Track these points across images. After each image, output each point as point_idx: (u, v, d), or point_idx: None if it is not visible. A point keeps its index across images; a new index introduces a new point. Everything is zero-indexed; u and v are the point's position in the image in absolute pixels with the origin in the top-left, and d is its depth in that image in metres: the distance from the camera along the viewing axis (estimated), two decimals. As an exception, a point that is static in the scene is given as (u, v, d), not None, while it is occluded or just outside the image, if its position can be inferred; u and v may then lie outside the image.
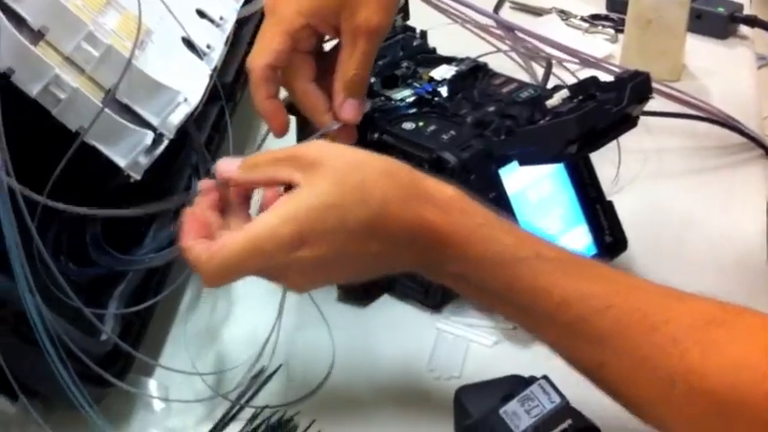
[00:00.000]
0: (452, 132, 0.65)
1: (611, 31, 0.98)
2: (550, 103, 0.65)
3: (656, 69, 0.87)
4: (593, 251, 0.69)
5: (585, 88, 0.66)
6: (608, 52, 0.95)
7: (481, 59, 0.75)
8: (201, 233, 0.54)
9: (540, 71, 0.89)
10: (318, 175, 0.52)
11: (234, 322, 0.70)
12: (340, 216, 0.51)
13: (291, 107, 0.67)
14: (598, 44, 0.96)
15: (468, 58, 0.74)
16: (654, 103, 0.72)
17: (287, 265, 0.52)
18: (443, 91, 0.70)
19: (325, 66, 0.64)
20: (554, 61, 0.88)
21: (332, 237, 0.51)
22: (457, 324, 0.68)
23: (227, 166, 0.56)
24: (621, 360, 0.52)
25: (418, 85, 0.71)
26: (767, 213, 0.78)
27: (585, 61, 0.83)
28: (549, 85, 0.83)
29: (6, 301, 0.56)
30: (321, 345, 0.67)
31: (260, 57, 0.62)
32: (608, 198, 0.71)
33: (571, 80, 0.87)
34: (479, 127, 0.65)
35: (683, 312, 0.52)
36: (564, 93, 0.66)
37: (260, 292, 0.69)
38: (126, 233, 0.68)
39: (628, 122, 0.65)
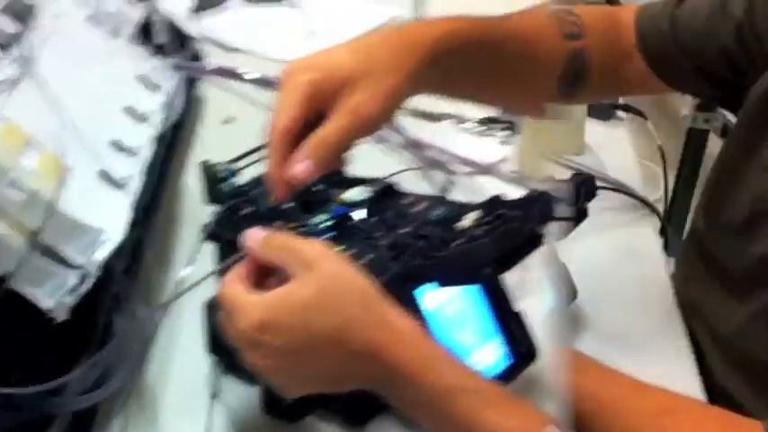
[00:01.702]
0: (370, 256, 0.62)
1: (506, 133, 1.00)
2: (462, 224, 0.64)
3: (559, 147, 0.98)
4: (510, 361, 0.66)
5: (494, 206, 0.65)
6: (502, 155, 0.96)
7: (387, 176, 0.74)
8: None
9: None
10: (306, 277, 0.56)
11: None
12: (307, 319, 0.55)
13: (214, 235, 0.67)
14: (493, 147, 0.98)
15: (378, 179, 0.72)
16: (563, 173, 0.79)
17: (253, 342, 0.56)
18: (356, 214, 0.68)
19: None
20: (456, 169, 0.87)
21: (292, 333, 0.55)
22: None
23: (254, 236, 0.59)
24: None
25: (332, 209, 0.68)
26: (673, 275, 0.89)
27: (485, 170, 0.84)
28: (454, 195, 0.83)
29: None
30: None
31: (282, 119, 0.60)
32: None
33: (469, 185, 0.87)
34: (395, 249, 0.62)
35: (645, 400, 0.64)
36: (474, 214, 0.64)
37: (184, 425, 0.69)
38: (50, 376, 0.63)
39: (537, 241, 0.63)
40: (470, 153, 0.90)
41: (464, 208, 0.67)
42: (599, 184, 0.90)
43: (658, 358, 0.80)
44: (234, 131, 1.03)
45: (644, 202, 1.00)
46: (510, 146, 0.99)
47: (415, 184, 0.78)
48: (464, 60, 0.69)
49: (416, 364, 0.56)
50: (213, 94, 1.06)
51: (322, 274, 0.56)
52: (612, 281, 0.89)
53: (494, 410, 0.56)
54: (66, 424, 0.62)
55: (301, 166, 0.60)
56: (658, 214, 1.01)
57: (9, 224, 0.60)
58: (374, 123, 0.62)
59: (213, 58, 1.07)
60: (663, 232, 1.03)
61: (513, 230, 0.61)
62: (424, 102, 1.02)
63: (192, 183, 0.92)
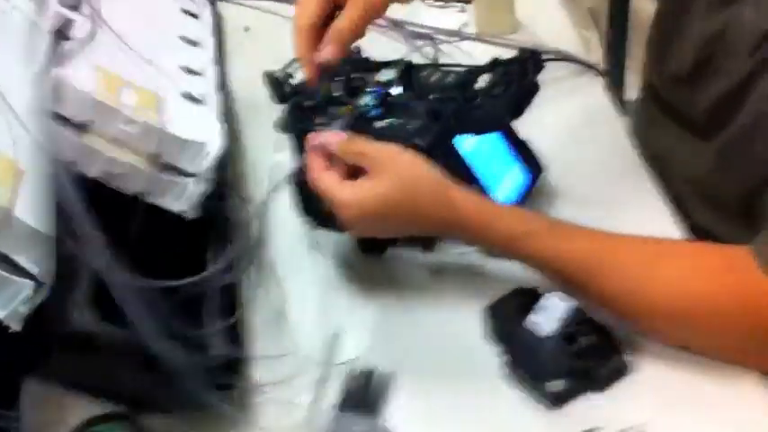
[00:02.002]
0: (415, 121, 0.77)
1: (460, 4, 1.13)
2: (480, 86, 0.80)
3: (500, 28, 1.08)
4: (528, 176, 0.85)
5: (495, 67, 0.82)
6: (463, 21, 1.10)
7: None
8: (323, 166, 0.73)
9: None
10: (385, 176, 0.71)
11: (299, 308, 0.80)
12: (392, 208, 0.71)
13: (287, 126, 0.79)
14: (454, 16, 1.12)
15: (399, 60, 0.85)
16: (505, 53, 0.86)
17: (354, 224, 0.73)
18: (393, 90, 0.82)
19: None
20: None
21: (384, 219, 0.72)
22: (455, 256, 0.82)
23: (332, 138, 0.73)
24: (603, 288, 0.69)
25: (373, 91, 0.81)
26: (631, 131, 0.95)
27: (465, 37, 1.01)
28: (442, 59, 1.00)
29: (147, 351, 0.64)
30: (366, 304, 0.79)
31: (304, 18, 0.75)
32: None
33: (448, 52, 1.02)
34: (432, 113, 0.77)
35: (636, 249, 0.70)
36: (485, 77, 0.81)
37: (314, 291, 0.82)
38: (188, 261, 0.75)
39: (536, 88, 0.80)
40: (438, 23, 1.07)
41: (469, 72, 0.83)
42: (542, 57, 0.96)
43: (636, 214, 0.82)
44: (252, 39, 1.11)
45: (588, 66, 1.02)
46: (465, 13, 1.12)
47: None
48: None
49: (481, 227, 0.71)
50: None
51: (396, 172, 0.71)
52: (575, 147, 0.92)
53: (550, 240, 0.70)
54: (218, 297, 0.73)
55: (327, 51, 0.75)
56: (602, 75, 1.02)
57: (133, 152, 0.69)
58: (378, 10, 0.77)
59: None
60: (609, 92, 1.03)
61: (519, 86, 0.79)
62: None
63: (234, 86, 0.99)
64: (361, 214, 0.71)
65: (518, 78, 0.80)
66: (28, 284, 0.60)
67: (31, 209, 0.62)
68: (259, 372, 0.74)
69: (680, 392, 0.68)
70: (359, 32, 0.76)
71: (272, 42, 1.01)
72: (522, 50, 0.83)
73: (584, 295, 0.71)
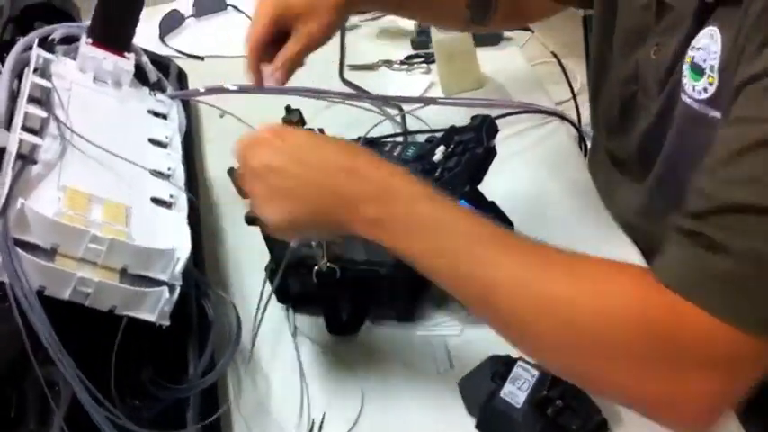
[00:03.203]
0: None
1: (425, 65, 1.11)
2: (437, 158, 0.78)
3: (465, 85, 1.05)
4: None
5: (451, 135, 0.80)
6: (429, 82, 1.07)
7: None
8: None
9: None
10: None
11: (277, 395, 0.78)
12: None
13: (251, 220, 0.72)
14: (419, 78, 1.09)
15: (360, 138, 0.84)
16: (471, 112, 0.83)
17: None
18: None
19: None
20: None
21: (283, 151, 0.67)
22: (430, 328, 0.80)
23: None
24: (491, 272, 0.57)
25: None
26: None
27: (429, 101, 0.99)
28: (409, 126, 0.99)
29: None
30: (347, 386, 0.77)
31: (254, 40, 0.81)
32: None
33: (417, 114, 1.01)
34: None
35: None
36: (441, 148, 0.79)
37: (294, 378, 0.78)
38: (170, 369, 0.73)
39: (493, 154, 0.78)
40: (405, 86, 1.04)
41: (428, 143, 0.82)
42: (505, 111, 0.96)
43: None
44: (226, 125, 1.09)
45: (553, 114, 0.98)
46: (430, 74, 1.10)
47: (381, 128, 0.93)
48: None
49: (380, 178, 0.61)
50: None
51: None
52: (542, 199, 0.89)
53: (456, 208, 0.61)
54: (200, 402, 0.71)
55: (276, 76, 0.81)
56: (569, 121, 0.99)
57: (103, 269, 0.67)
58: (319, 44, 0.83)
59: (192, 72, 1.14)
60: (581, 135, 1.01)
61: (475, 154, 0.76)
62: (360, 56, 1.15)
63: (212, 173, 1.03)
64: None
65: (474, 145, 0.78)
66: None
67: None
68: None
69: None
70: (301, 62, 0.83)
71: (248, 126, 1.02)
72: (476, 117, 0.80)
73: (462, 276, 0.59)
